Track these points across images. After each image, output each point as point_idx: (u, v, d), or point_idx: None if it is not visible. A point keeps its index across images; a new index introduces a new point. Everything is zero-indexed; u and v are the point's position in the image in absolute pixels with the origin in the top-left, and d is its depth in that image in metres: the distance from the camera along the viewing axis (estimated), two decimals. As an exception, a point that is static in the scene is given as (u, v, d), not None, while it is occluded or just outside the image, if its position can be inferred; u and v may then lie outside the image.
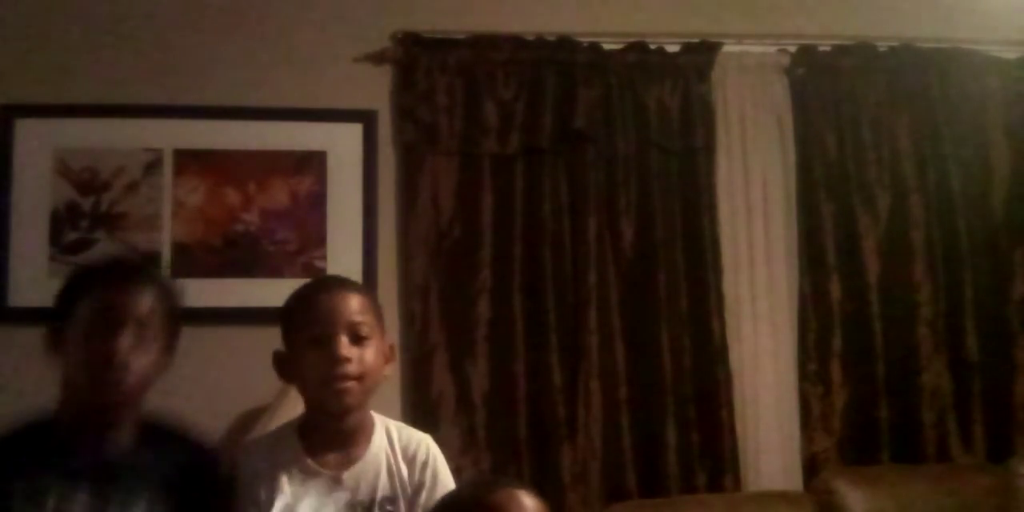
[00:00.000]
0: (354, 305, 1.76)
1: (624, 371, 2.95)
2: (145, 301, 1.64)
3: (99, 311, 1.61)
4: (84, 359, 1.60)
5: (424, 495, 1.76)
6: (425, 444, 1.83)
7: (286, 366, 1.79)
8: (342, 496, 1.73)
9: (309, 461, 1.74)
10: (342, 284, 1.87)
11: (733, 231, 3.05)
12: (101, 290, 1.64)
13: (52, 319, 1.67)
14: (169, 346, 1.69)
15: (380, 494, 1.75)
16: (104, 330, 1.59)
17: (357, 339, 1.74)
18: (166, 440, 1.71)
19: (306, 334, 1.73)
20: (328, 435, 1.76)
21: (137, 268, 1.78)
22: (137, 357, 1.60)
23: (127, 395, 1.62)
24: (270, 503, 1.70)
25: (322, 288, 1.82)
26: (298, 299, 1.79)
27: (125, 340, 1.59)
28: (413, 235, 2.96)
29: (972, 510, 2.79)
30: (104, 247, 2.84)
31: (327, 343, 1.71)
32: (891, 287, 3.09)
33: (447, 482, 1.81)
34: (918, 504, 2.78)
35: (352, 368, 1.71)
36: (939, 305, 3.09)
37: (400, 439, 1.81)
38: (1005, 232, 3.16)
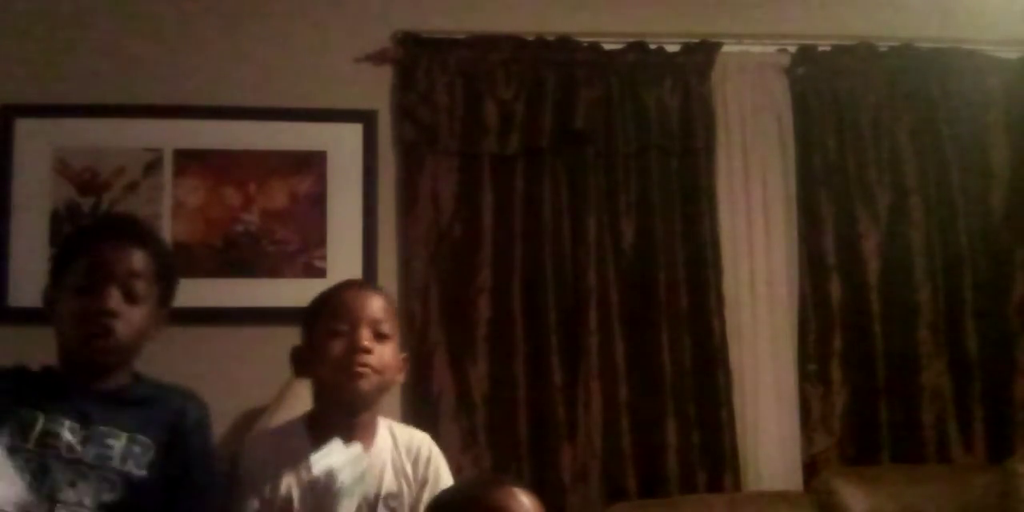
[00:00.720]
0: (377, 304, 1.83)
1: (624, 371, 2.95)
2: (135, 257, 1.70)
3: (90, 266, 1.67)
4: (75, 311, 1.65)
5: (427, 491, 1.79)
6: (427, 442, 1.87)
7: (304, 360, 1.84)
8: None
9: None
10: (368, 286, 1.97)
11: (733, 231, 3.05)
12: (92, 247, 1.70)
13: (50, 280, 1.73)
14: (162, 302, 1.76)
15: (384, 490, 1.77)
16: (95, 284, 1.66)
17: (378, 336, 1.79)
18: (155, 389, 1.76)
19: (330, 327, 1.79)
20: (336, 431, 1.77)
21: (127, 226, 1.82)
22: (128, 310, 1.66)
23: (116, 348, 1.67)
24: (275, 495, 1.71)
25: (349, 286, 1.90)
26: (324, 296, 1.86)
27: (114, 292, 1.65)
28: (413, 235, 2.96)
29: (972, 510, 2.79)
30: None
31: (349, 334, 1.77)
32: (891, 287, 3.09)
33: (447, 479, 1.85)
34: (918, 504, 2.78)
35: (371, 358, 1.76)
36: (939, 305, 3.09)
37: (403, 437, 1.85)
38: (1005, 232, 3.17)
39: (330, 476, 1.67)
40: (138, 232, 1.78)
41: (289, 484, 1.73)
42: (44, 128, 2.89)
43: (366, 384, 1.76)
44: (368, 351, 1.75)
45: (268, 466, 1.74)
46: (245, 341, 2.83)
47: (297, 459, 1.74)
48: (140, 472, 1.65)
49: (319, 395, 1.83)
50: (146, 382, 1.76)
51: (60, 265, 1.72)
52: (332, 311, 1.80)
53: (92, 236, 1.77)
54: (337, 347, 1.76)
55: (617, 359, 2.95)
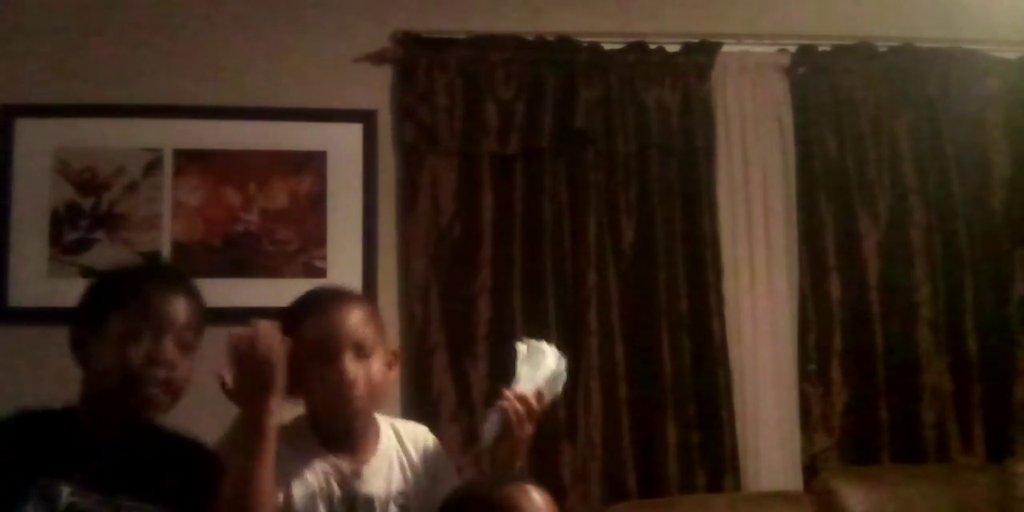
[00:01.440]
0: (355, 321, 1.75)
1: (624, 371, 2.95)
2: (186, 306, 1.66)
3: (143, 314, 1.61)
4: (126, 362, 1.58)
5: (434, 485, 1.80)
6: (429, 434, 1.89)
7: (288, 385, 1.74)
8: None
9: (331, 456, 1.76)
10: (340, 299, 1.83)
11: (733, 231, 3.05)
12: (145, 294, 1.64)
13: (79, 323, 1.65)
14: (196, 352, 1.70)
15: (394, 489, 1.77)
16: (149, 334, 1.60)
17: (361, 354, 1.74)
18: (178, 448, 1.71)
19: (312, 356, 1.72)
20: (339, 433, 1.78)
21: (174, 274, 1.81)
22: (182, 362, 1.63)
23: (173, 399, 1.63)
24: (289, 491, 1.70)
25: (322, 307, 1.79)
26: (296, 318, 1.76)
27: (171, 343, 1.61)
28: (413, 235, 2.96)
29: (972, 510, 2.79)
30: (104, 247, 2.84)
31: (333, 363, 1.71)
32: (891, 287, 3.09)
33: (452, 470, 1.88)
34: (918, 504, 2.78)
35: (360, 389, 1.72)
36: (939, 305, 3.09)
37: (406, 432, 1.85)
38: (1005, 232, 3.16)
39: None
40: (185, 281, 1.73)
41: (304, 486, 1.72)
42: (44, 128, 2.89)
43: (360, 406, 1.74)
44: (354, 383, 1.71)
45: (285, 466, 1.72)
46: (245, 341, 2.83)
47: (309, 459, 1.74)
48: None
49: (314, 411, 1.80)
50: (166, 437, 1.69)
51: (97, 308, 1.64)
52: (312, 339, 1.72)
53: (141, 282, 1.69)
54: (322, 380, 1.71)
55: (617, 359, 2.95)
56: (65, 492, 1.54)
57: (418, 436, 1.86)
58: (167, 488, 1.63)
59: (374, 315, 1.83)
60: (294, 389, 1.73)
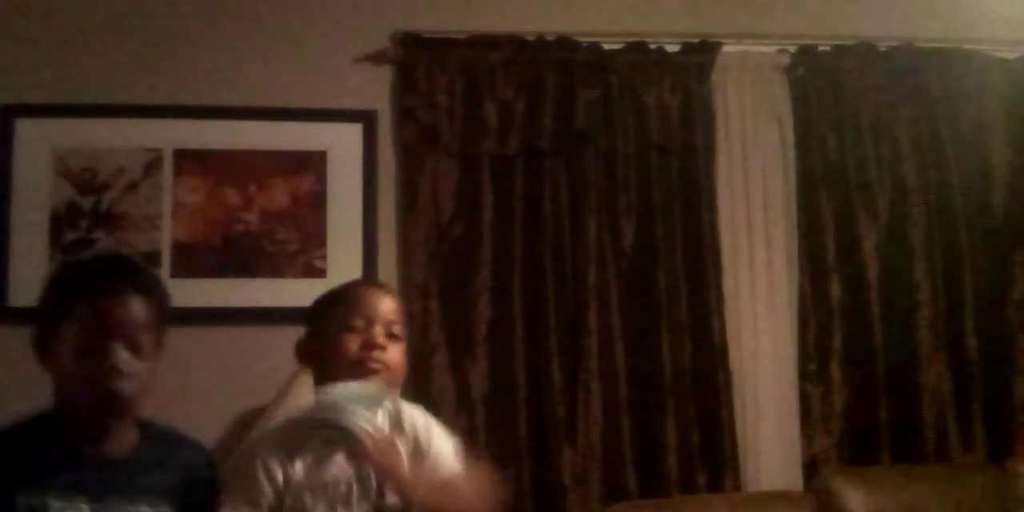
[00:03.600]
0: (391, 305, 1.89)
1: (624, 371, 2.95)
2: (138, 308, 1.60)
3: (94, 322, 1.57)
4: (81, 373, 1.56)
5: (421, 460, 1.82)
6: (417, 416, 1.89)
7: (311, 351, 1.88)
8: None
9: (322, 447, 1.78)
10: (382, 286, 2.04)
11: (733, 231, 3.05)
12: (93, 298, 1.59)
13: (40, 323, 1.63)
14: (160, 346, 1.66)
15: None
16: (100, 342, 1.56)
17: (390, 336, 1.84)
18: (164, 444, 1.70)
19: (345, 321, 1.83)
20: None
21: (128, 272, 1.70)
22: (135, 366, 1.58)
23: (128, 406, 1.60)
24: (287, 481, 1.73)
25: (366, 284, 1.99)
26: (339, 291, 1.91)
27: (123, 352, 1.57)
28: (413, 235, 2.96)
29: (972, 510, 2.79)
30: (103, 247, 2.84)
31: (365, 330, 1.82)
32: (891, 287, 3.09)
33: (441, 443, 1.86)
34: (918, 504, 2.78)
35: (385, 356, 1.81)
36: (939, 305, 3.09)
37: (396, 418, 1.86)
38: (1005, 232, 3.17)
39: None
40: (138, 278, 1.67)
41: (301, 476, 1.74)
42: (44, 128, 2.89)
43: (378, 380, 1.80)
44: (383, 348, 1.81)
45: (281, 458, 1.75)
46: (245, 341, 2.83)
47: (303, 451, 1.76)
48: None
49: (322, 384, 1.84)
50: (152, 434, 1.68)
51: (53, 309, 1.61)
52: (349, 306, 1.85)
53: (90, 285, 1.62)
54: (352, 342, 1.81)
55: (617, 359, 2.95)
56: (52, 504, 1.52)
57: (412, 415, 1.88)
58: (158, 486, 1.62)
59: (404, 312, 1.94)
60: (317, 358, 1.85)
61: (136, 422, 1.67)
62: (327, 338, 1.84)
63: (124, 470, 1.61)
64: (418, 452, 1.83)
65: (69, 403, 1.60)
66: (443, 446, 1.87)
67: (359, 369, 1.79)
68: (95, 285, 1.62)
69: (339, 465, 1.76)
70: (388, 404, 1.87)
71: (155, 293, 1.66)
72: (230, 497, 1.73)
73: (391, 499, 1.76)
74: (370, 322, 1.82)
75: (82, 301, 1.58)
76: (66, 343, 1.57)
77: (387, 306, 1.87)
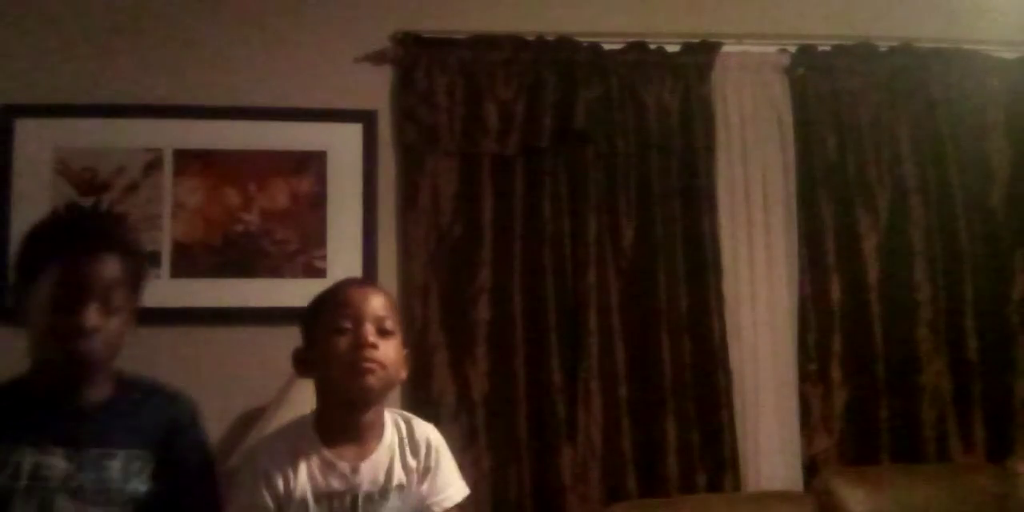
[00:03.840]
0: (379, 301, 1.82)
1: (624, 371, 2.95)
2: (110, 266, 1.60)
3: (64, 281, 1.57)
4: (51, 329, 1.57)
5: (428, 480, 1.83)
6: (431, 433, 1.89)
7: (306, 360, 1.83)
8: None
9: (327, 452, 1.77)
10: (369, 283, 1.99)
11: (733, 231, 3.05)
12: (64, 258, 1.59)
13: (14, 281, 1.64)
14: (136, 302, 1.67)
15: (394, 482, 1.79)
16: (70, 301, 1.56)
17: (382, 333, 1.79)
18: (141, 394, 1.71)
19: (334, 324, 1.78)
20: (344, 429, 1.80)
21: (101, 229, 1.71)
22: (105, 324, 1.58)
23: (97, 363, 1.61)
24: (288, 491, 1.73)
25: (349, 284, 1.89)
26: (325, 295, 1.85)
27: (92, 310, 1.57)
28: (413, 235, 2.96)
29: (972, 510, 2.79)
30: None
31: (354, 330, 1.77)
32: (891, 287, 3.09)
33: (450, 466, 1.88)
34: (918, 504, 2.78)
35: (377, 354, 1.76)
36: (939, 305, 3.09)
37: (408, 431, 1.87)
38: (1005, 232, 3.17)
39: None
40: (111, 236, 1.67)
41: (304, 486, 1.74)
42: (44, 128, 2.89)
43: (373, 380, 1.76)
44: (374, 346, 1.75)
45: (279, 465, 1.75)
46: (245, 341, 2.83)
47: (308, 456, 1.76)
48: (144, 486, 1.62)
49: (324, 395, 1.82)
50: (130, 386, 1.70)
51: (28, 265, 1.62)
52: (335, 308, 1.79)
53: (63, 242, 1.63)
54: (342, 344, 1.76)
55: (617, 359, 2.95)
56: (28, 453, 1.55)
57: (418, 434, 1.87)
58: (134, 434, 1.63)
59: (396, 307, 1.89)
60: (314, 366, 1.81)
61: (114, 375, 1.68)
62: (318, 345, 1.79)
63: (99, 420, 1.62)
64: (427, 470, 1.83)
65: (40, 358, 1.62)
66: (450, 467, 1.88)
67: (353, 371, 1.75)
68: (68, 243, 1.62)
69: (341, 474, 1.76)
70: (400, 420, 1.88)
71: (130, 249, 1.66)
72: (231, 506, 1.74)
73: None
74: (359, 321, 1.77)
75: (55, 259, 1.59)
76: (39, 299, 1.58)
77: (375, 302, 1.81)
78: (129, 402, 1.67)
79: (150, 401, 1.70)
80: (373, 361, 1.75)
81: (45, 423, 1.58)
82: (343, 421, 1.79)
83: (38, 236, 1.67)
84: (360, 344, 1.75)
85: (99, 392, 1.65)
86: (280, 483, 1.73)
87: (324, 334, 1.78)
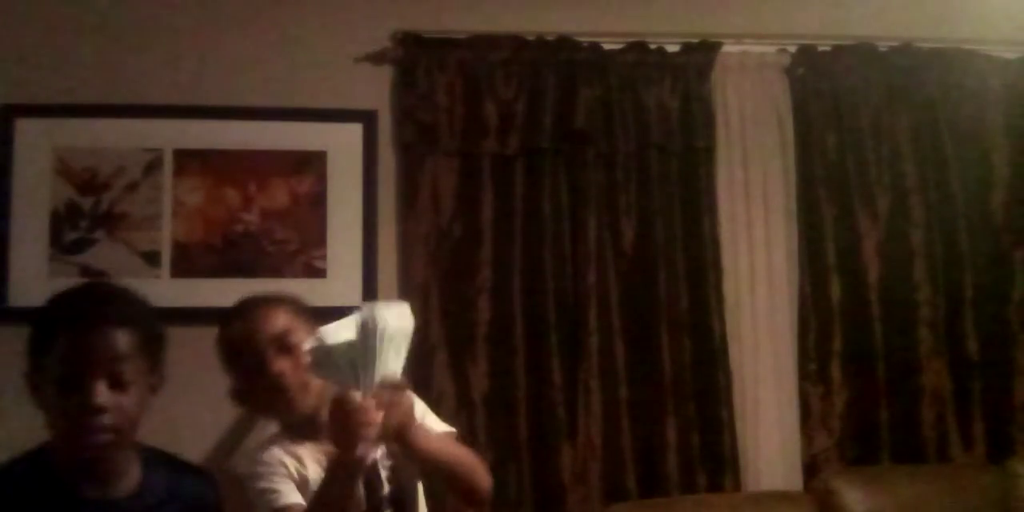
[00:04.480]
0: (273, 319, 1.97)
1: (624, 371, 2.95)
2: (117, 339, 1.55)
3: (69, 358, 1.52)
4: (63, 409, 1.53)
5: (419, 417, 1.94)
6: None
7: (240, 391, 2.04)
8: None
9: (313, 445, 1.91)
10: (258, 302, 2.08)
11: (733, 231, 3.05)
12: (70, 332, 1.55)
13: (29, 365, 1.59)
14: (153, 370, 1.63)
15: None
16: (78, 379, 1.52)
17: (281, 350, 1.93)
18: (168, 477, 1.68)
19: (237, 353, 1.98)
20: (312, 432, 1.92)
21: (107, 302, 1.64)
22: (117, 399, 1.54)
23: (112, 441, 1.55)
24: (302, 476, 1.87)
25: (240, 310, 2.06)
26: (224, 329, 2.05)
27: (102, 387, 1.52)
28: (413, 235, 2.95)
29: (972, 510, 2.80)
30: (104, 247, 2.84)
31: (261, 361, 1.95)
32: (891, 287, 3.09)
33: (432, 417, 2.05)
34: (918, 504, 2.78)
35: (290, 379, 1.92)
36: (939, 305, 3.09)
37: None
38: (1005, 232, 3.17)
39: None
40: (117, 308, 1.61)
41: (314, 470, 1.86)
42: (44, 128, 2.89)
43: (297, 394, 1.93)
44: (282, 374, 1.91)
45: (291, 455, 1.89)
46: (245, 341, 2.83)
47: (313, 454, 1.89)
48: None
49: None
50: (155, 466, 1.66)
51: (39, 345, 1.58)
52: (235, 338, 1.97)
53: (68, 318, 1.58)
54: (260, 378, 1.92)
55: (617, 359, 2.95)
56: None
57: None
58: None
59: (298, 313, 1.99)
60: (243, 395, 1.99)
61: (137, 454, 1.64)
62: (239, 379, 1.95)
63: (129, 507, 1.58)
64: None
65: (57, 441, 1.57)
66: (431, 418, 2.02)
67: (276, 405, 1.92)
68: (73, 318, 1.58)
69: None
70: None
71: (138, 322, 1.60)
72: (259, 499, 1.83)
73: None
74: (256, 346, 1.90)
75: (61, 335, 1.55)
76: (49, 378, 1.54)
77: (270, 323, 1.93)
78: (158, 489, 1.64)
79: (178, 486, 1.68)
80: (290, 386, 1.92)
81: None
82: (308, 425, 1.93)
83: (46, 313, 1.63)
84: (270, 375, 1.92)
85: (126, 478, 1.61)
86: (294, 470, 1.86)
87: (238, 369, 1.99)
